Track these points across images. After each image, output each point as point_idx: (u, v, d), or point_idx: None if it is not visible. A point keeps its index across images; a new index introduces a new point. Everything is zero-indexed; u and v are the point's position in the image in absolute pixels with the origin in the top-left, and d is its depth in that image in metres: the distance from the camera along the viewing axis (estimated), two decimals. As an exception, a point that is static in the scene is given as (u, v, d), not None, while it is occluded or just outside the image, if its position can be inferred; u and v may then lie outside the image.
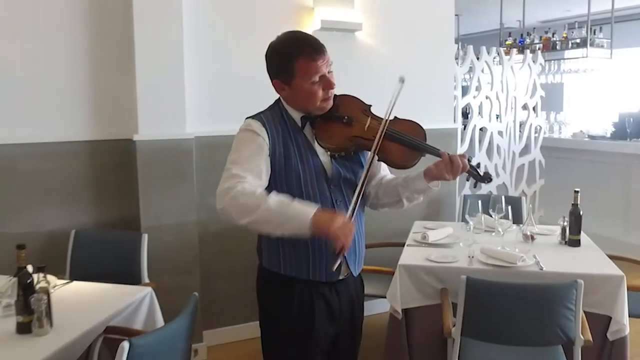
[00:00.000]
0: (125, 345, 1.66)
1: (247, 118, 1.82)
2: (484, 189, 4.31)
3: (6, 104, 2.89)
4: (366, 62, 3.71)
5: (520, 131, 4.46)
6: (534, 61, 4.55)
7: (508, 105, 4.33)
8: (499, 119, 4.34)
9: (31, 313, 1.90)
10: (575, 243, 2.96)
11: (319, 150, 1.84)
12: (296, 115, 1.84)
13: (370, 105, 1.92)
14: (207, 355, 3.32)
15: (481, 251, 2.77)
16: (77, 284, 2.44)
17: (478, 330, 2.26)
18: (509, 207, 2.96)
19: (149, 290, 2.37)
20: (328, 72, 1.78)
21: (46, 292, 1.94)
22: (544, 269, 2.58)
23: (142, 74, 3.01)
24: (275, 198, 1.63)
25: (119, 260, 2.92)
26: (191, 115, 3.18)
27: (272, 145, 1.76)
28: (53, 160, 2.98)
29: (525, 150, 4.55)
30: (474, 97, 4.18)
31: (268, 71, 1.81)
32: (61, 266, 2.90)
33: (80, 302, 2.24)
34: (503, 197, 3.05)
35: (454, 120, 4.09)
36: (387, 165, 1.92)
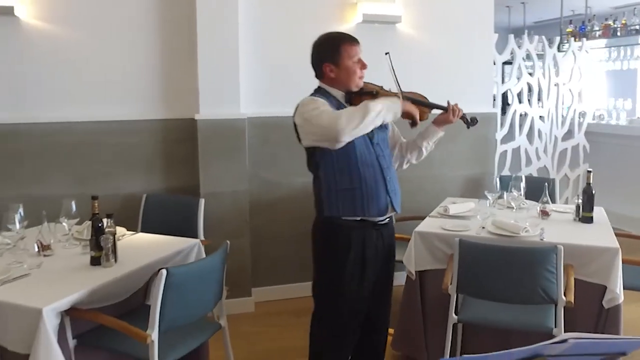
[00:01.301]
0: (164, 272, 2.11)
1: (305, 98, 2.27)
2: (524, 171, 4.44)
3: (94, 88, 3.46)
4: (407, 52, 3.96)
5: (563, 116, 4.52)
6: (579, 49, 4.57)
7: (550, 91, 4.41)
8: (540, 104, 4.43)
9: (100, 249, 2.40)
10: (588, 220, 3.08)
11: None
12: (337, 94, 2.32)
13: (382, 86, 2.40)
14: (255, 308, 3.76)
15: (492, 222, 2.99)
16: (141, 235, 2.94)
17: (470, 287, 2.52)
18: (522, 187, 3.20)
19: (196, 242, 2.80)
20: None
21: (112, 234, 2.43)
22: (544, 239, 2.77)
23: (203, 64, 3.48)
24: (367, 103, 2.14)
25: (181, 220, 3.42)
26: (244, 98, 3.61)
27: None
28: (131, 135, 3.53)
29: (569, 135, 4.60)
30: (515, 84, 4.30)
31: (314, 61, 2.31)
32: (135, 223, 3.46)
33: (141, 247, 2.72)
34: (523, 177, 3.25)
35: (493, 106, 4.26)
36: (411, 118, 2.36)
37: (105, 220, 2.44)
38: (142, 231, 3.44)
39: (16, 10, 3.27)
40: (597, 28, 5.94)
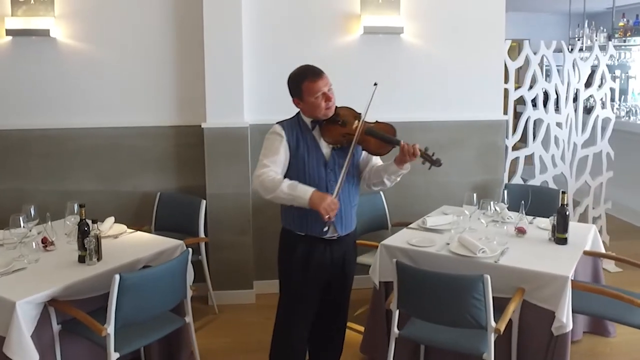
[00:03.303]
0: (117, 277, 2.41)
1: (275, 124, 2.51)
2: (537, 179, 4.28)
3: (115, 98, 3.84)
4: (410, 61, 3.96)
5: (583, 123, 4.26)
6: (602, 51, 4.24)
7: (569, 97, 4.17)
8: (558, 111, 4.20)
9: (85, 249, 2.76)
10: (562, 241, 2.98)
11: (323, 144, 2.50)
12: (308, 121, 2.50)
13: (360, 113, 2.51)
14: (255, 300, 4.00)
15: (457, 239, 2.99)
16: (138, 234, 3.24)
17: (407, 306, 2.58)
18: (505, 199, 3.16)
19: (180, 243, 3.07)
20: (328, 90, 2.44)
21: (96, 237, 2.76)
22: (498, 262, 2.74)
23: (210, 77, 3.72)
24: (287, 183, 2.36)
25: (186, 217, 3.74)
26: (248, 106, 3.82)
27: (288, 141, 2.46)
28: (147, 139, 3.88)
29: (591, 141, 4.32)
30: (528, 90, 4.12)
31: (290, 93, 2.49)
32: (150, 218, 3.83)
33: (130, 246, 3.02)
34: (505, 192, 3.19)
35: (505, 112, 4.12)
36: (368, 152, 2.53)
37: (91, 225, 2.78)
38: (155, 225, 3.82)
39: (52, 32, 3.71)
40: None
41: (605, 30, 6.46)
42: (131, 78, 3.83)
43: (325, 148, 2.51)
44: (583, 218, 4.41)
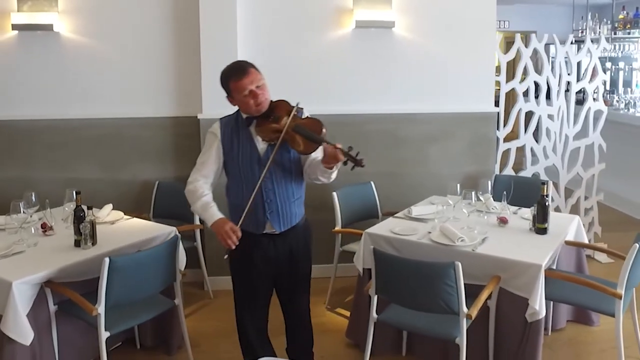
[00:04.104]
0: (106, 260, 2.53)
1: (217, 120, 2.54)
2: (528, 170, 4.31)
3: (116, 90, 3.95)
4: (402, 55, 4.01)
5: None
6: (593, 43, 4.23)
7: (561, 89, 4.18)
8: (550, 102, 4.22)
9: (80, 234, 2.89)
10: (542, 231, 3.03)
11: (259, 140, 2.46)
12: (244, 116, 2.49)
13: (294, 107, 2.43)
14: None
15: (439, 228, 3.05)
16: (134, 220, 3.36)
17: (385, 292, 2.66)
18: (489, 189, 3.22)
19: (173, 229, 3.17)
20: (257, 87, 2.40)
21: (91, 222, 2.89)
22: (475, 250, 2.80)
23: (206, 70, 3.81)
24: (202, 202, 2.44)
25: (182, 205, 3.77)
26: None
27: (222, 139, 2.49)
28: (147, 129, 3.99)
29: (583, 133, 4.33)
30: (519, 82, 4.14)
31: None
32: (148, 206, 3.96)
33: (125, 232, 3.14)
34: (489, 182, 3.25)
35: (496, 105, 4.15)
36: (296, 151, 2.41)
37: (86, 211, 2.90)
38: (153, 213, 3.94)
39: (55, 27, 3.83)
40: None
41: (608, 22, 6.41)
42: (131, 71, 3.94)
43: (261, 144, 2.45)
44: (575, 209, 4.42)
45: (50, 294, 2.70)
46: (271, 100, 2.47)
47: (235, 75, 2.39)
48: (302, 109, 2.49)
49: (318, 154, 2.43)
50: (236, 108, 2.53)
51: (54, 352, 2.71)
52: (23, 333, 2.48)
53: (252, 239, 2.49)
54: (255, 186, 2.38)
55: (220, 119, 2.55)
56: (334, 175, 2.45)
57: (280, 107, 2.45)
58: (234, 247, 2.35)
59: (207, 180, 2.51)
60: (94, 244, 2.89)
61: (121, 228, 3.23)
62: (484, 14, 3.99)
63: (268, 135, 2.41)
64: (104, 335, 2.58)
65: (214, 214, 2.41)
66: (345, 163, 2.30)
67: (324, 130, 2.34)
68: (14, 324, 2.46)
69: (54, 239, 3.01)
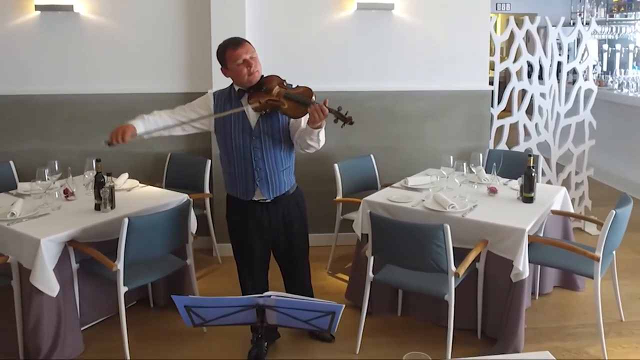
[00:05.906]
0: (126, 220, 2.71)
1: (211, 93, 2.72)
2: (521, 146, 4.45)
3: (130, 67, 4.12)
4: (401, 35, 4.14)
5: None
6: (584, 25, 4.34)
7: (553, 69, 4.31)
8: (542, 81, 4.35)
9: (100, 199, 3.07)
10: (529, 200, 3.18)
11: (250, 112, 2.60)
12: (237, 88, 2.65)
13: (285, 80, 2.61)
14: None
15: (432, 197, 3.21)
16: (149, 187, 3.56)
17: (380, 252, 2.84)
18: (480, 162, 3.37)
19: (185, 196, 3.34)
20: (250, 58, 2.56)
21: (110, 187, 3.07)
22: (464, 216, 2.97)
23: (215, 47, 3.95)
24: (140, 116, 2.70)
25: (193, 175, 4.02)
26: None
27: (215, 109, 2.66)
28: (161, 104, 4.04)
29: (574, 111, 4.47)
30: (513, 62, 4.26)
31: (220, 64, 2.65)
32: (161, 177, 4.14)
33: (141, 198, 3.31)
34: (480, 155, 3.40)
35: (491, 83, 4.28)
36: (286, 116, 2.57)
37: (106, 177, 3.08)
38: (165, 183, 4.12)
39: (75, 7, 4.00)
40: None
41: (605, 4, 6.50)
42: (145, 50, 4.11)
43: (253, 116, 2.59)
44: (566, 184, 4.57)
45: (72, 253, 2.89)
46: (262, 75, 2.63)
47: (232, 46, 2.57)
48: (291, 84, 2.65)
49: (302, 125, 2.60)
50: (230, 82, 2.68)
51: (75, 306, 2.91)
52: (50, 285, 2.68)
53: (247, 207, 2.68)
54: (246, 155, 2.56)
55: (215, 92, 2.71)
56: (322, 137, 2.55)
57: (271, 80, 2.62)
58: (114, 143, 2.52)
59: (174, 117, 2.74)
60: (112, 207, 3.07)
61: (137, 194, 3.41)
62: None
63: (259, 104, 2.53)
64: (123, 289, 2.77)
65: (131, 121, 2.62)
66: (335, 121, 2.45)
67: (313, 97, 2.50)
68: (42, 277, 2.66)
69: (75, 203, 3.20)
